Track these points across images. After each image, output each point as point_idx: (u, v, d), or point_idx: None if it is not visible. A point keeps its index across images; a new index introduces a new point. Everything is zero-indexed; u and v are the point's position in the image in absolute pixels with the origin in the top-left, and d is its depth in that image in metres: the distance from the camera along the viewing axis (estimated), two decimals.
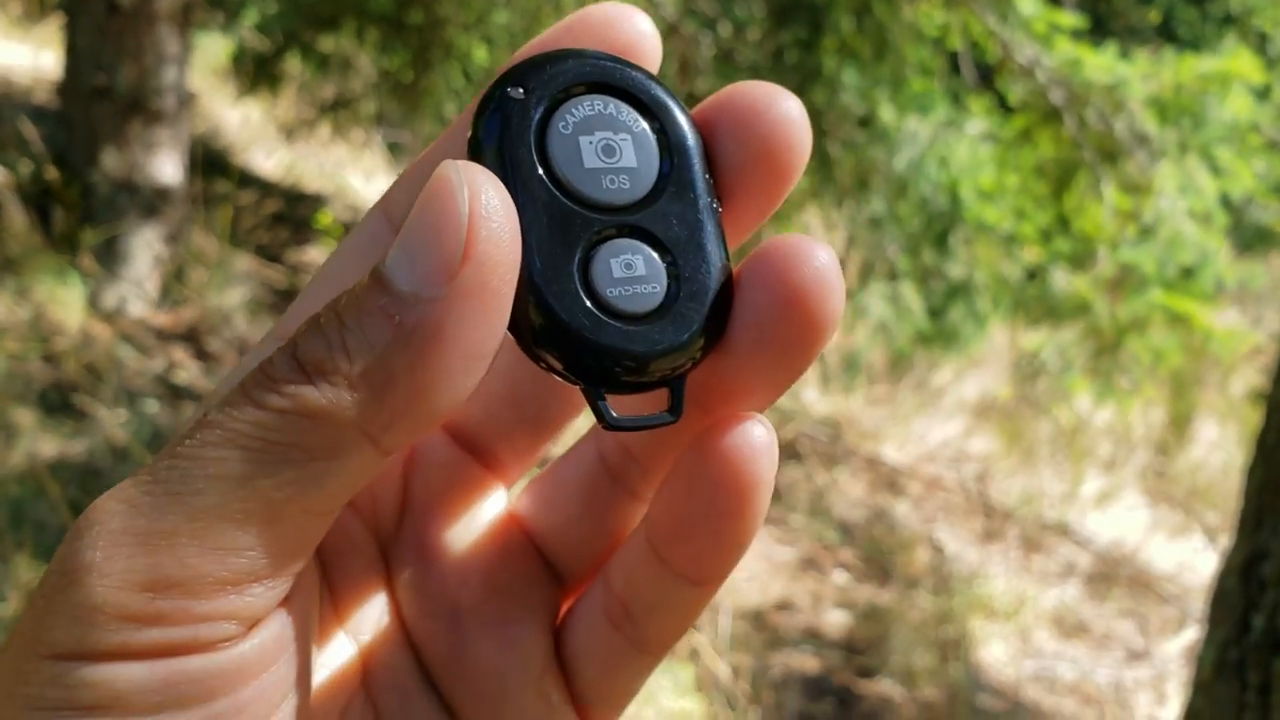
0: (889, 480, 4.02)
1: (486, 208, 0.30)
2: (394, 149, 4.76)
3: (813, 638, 2.97)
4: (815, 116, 3.73)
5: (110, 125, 3.47)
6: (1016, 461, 4.22)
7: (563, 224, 0.33)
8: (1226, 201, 3.58)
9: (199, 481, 0.29)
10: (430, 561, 0.39)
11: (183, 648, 0.30)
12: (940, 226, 3.84)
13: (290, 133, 4.71)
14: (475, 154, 0.33)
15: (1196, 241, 3.40)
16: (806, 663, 2.84)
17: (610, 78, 0.35)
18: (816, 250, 0.33)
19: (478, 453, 0.41)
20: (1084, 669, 3.08)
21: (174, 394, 3.19)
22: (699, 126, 0.36)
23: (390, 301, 0.30)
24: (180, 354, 3.47)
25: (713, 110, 0.35)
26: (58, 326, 3.28)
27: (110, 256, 3.49)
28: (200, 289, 3.73)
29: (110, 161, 3.48)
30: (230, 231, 4.03)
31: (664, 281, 0.34)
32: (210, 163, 4.40)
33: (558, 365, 0.33)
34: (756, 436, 0.33)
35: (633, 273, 0.33)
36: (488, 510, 0.41)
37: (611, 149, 0.34)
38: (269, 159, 5.20)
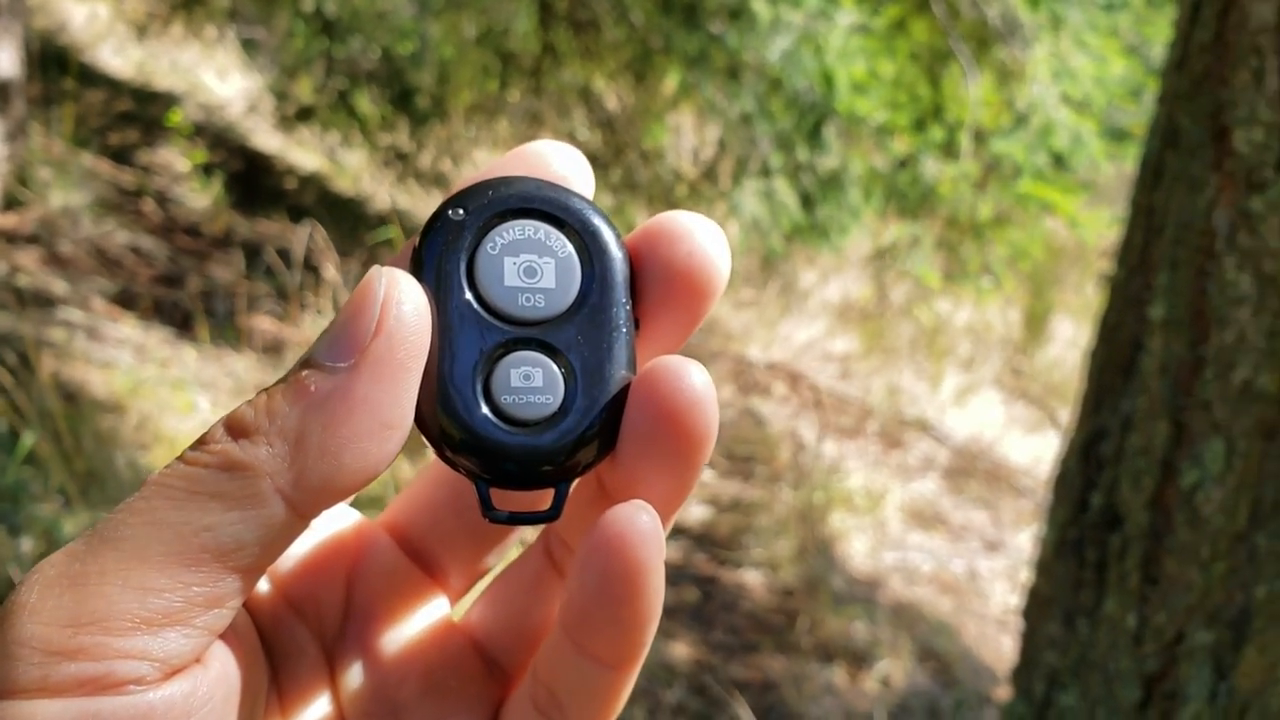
0: (754, 380, 4.06)
1: (401, 294, 0.34)
2: (249, 46, 4.58)
3: (677, 532, 3.00)
4: (689, 9, 3.68)
5: None
6: (878, 361, 4.30)
7: (476, 333, 0.36)
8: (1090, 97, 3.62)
9: (129, 528, 0.32)
10: (371, 662, 0.41)
11: (97, 684, 0.31)
12: (813, 119, 3.83)
13: (141, 30, 4.51)
14: (414, 266, 0.37)
15: (1070, 126, 3.45)
16: (670, 554, 2.87)
17: (545, 205, 0.38)
18: (691, 370, 0.36)
19: (422, 560, 0.43)
20: (941, 559, 3.16)
21: (18, 298, 3.06)
22: (629, 250, 0.39)
23: (309, 373, 0.34)
24: (25, 258, 3.33)
25: (640, 236, 0.39)
26: None
27: None
28: (44, 190, 3.57)
29: None
30: (75, 131, 3.86)
31: (560, 395, 0.37)
32: (53, 60, 4.19)
33: (447, 455, 0.37)
34: (639, 523, 0.35)
35: (529, 383, 0.37)
36: (428, 613, 0.43)
37: (533, 270, 0.38)
38: (116, 57, 4.97)
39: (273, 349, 3.33)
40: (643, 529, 0.35)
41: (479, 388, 0.36)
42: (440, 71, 4.35)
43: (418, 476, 0.44)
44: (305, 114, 4.23)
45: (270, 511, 0.33)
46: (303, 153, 4.76)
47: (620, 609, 0.35)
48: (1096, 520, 1.38)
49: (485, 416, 0.36)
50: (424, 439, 0.37)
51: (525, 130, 4.42)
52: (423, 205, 4.61)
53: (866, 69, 3.85)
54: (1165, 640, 1.30)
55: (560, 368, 0.37)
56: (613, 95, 4.48)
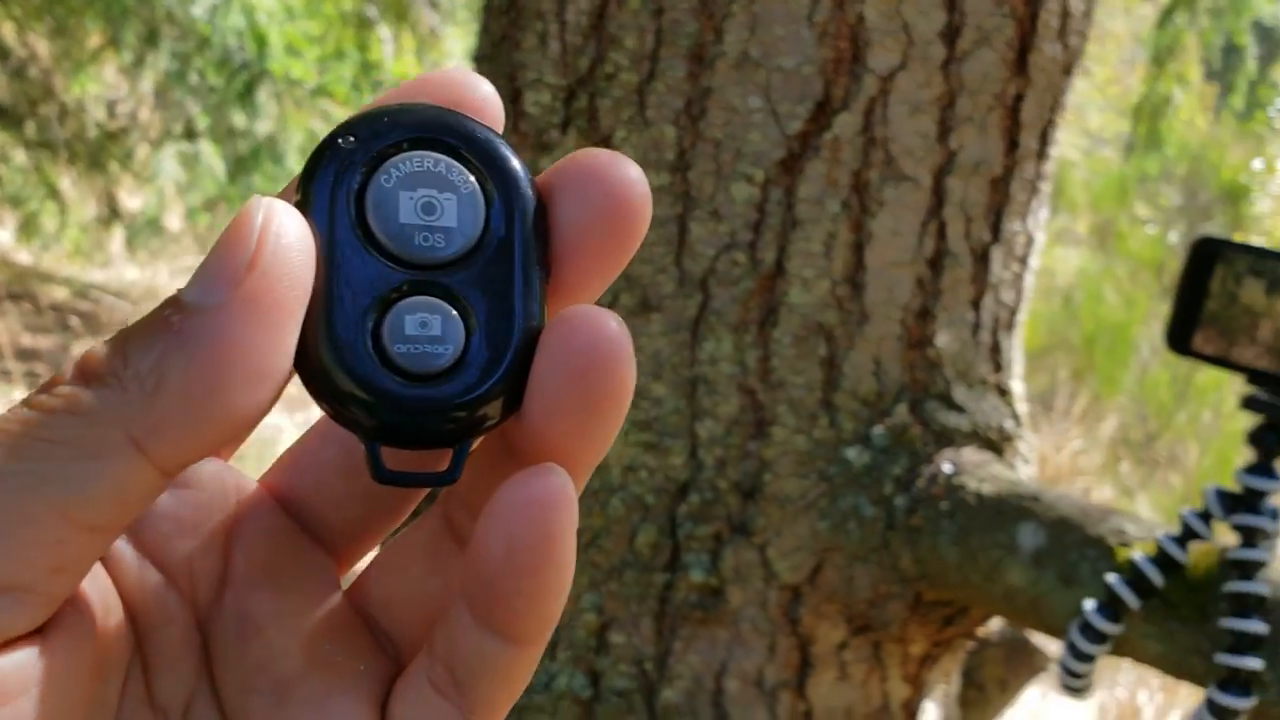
0: None
1: (279, 227, 0.30)
2: None
3: None
4: None
5: None
6: None
7: (367, 274, 0.32)
8: None
9: None
10: (251, 634, 0.36)
11: None
12: (245, 81, 3.73)
13: None
14: (300, 200, 0.32)
15: None
16: None
17: (448, 134, 0.34)
18: (608, 320, 0.32)
19: (308, 524, 0.39)
20: None
21: None
22: (540, 189, 0.34)
23: (174, 311, 0.30)
24: None
25: (555, 174, 0.35)
26: None
27: None
28: None
29: None
30: None
31: (460, 345, 0.33)
32: None
33: (332, 409, 0.32)
34: (550, 487, 0.32)
35: (426, 331, 0.32)
36: (314, 582, 0.38)
37: (432, 207, 0.33)
38: None
39: None
40: (554, 493, 0.32)
41: (369, 335, 0.32)
42: None
43: (305, 433, 0.40)
44: None
45: (123, 464, 0.29)
46: None
47: (528, 580, 0.32)
48: None
49: (376, 367, 0.32)
50: (307, 392, 0.33)
51: None
52: None
53: (299, 31, 3.82)
54: None
55: (461, 315, 0.33)
56: (24, 44, 4.15)
